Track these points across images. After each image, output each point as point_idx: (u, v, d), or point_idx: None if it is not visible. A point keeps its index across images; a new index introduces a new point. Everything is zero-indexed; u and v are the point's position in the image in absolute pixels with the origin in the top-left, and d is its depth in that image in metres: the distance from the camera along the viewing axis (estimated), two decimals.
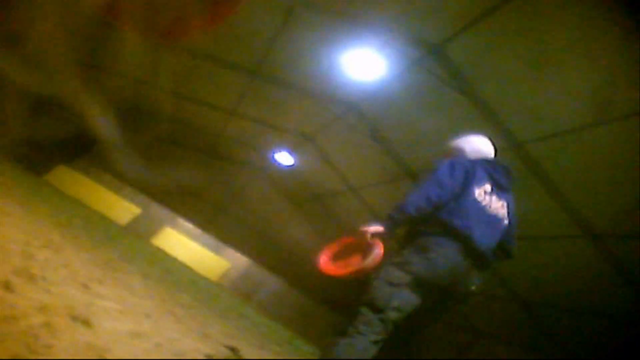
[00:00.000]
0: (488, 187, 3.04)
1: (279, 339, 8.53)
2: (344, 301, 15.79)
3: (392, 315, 2.65)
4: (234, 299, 11.95)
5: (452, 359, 12.01)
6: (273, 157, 14.48)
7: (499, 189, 3.11)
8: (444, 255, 2.73)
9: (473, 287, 2.93)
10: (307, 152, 13.00)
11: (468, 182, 2.95)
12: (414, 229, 2.93)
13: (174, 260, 12.04)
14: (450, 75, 7.27)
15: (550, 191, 7.09)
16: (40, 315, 2.16)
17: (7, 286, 2.28)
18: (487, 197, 3.00)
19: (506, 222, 3.08)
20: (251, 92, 10.85)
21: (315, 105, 10.42)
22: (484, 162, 3.21)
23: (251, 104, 11.48)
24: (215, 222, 16.15)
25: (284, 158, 14.13)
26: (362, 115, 9.72)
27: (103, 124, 14.60)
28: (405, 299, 2.70)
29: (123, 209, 14.62)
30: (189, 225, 15.37)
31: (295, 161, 14.07)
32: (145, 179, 15.59)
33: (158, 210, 15.09)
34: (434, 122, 8.38)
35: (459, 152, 3.39)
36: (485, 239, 2.85)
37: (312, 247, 16.90)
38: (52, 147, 13.94)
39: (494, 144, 3.47)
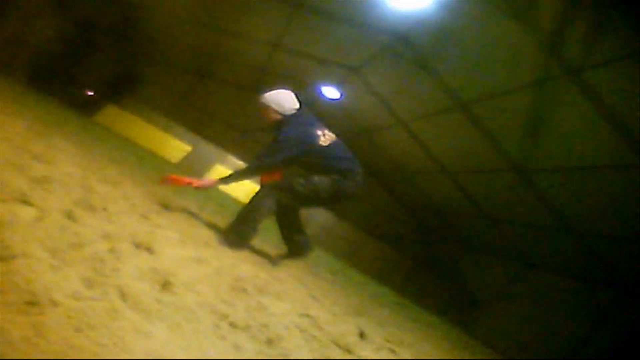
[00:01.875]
0: None
1: (331, 268, 8.68)
2: (390, 232, 16.02)
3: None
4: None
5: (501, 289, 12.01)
6: (319, 91, 14.29)
7: None
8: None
9: None
10: (354, 85, 12.75)
11: None
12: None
13: (226, 196, 12.26)
14: (506, 2, 6.90)
15: (607, 117, 6.74)
16: (104, 242, 2.21)
17: (70, 216, 2.33)
18: None
19: None
20: (295, 24, 10.60)
21: (361, 35, 10.11)
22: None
23: (295, 36, 11.24)
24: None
25: (329, 92, 13.92)
26: (410, 44, 9.37)
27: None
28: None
29: (174, 147, 14.88)
30: (239, 162, 15.56)
31: (341, 95, 13.86)
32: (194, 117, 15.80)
33: (208, 148, 15.30)
34: (487, 50, 8.02)
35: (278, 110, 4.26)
36: None
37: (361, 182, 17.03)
38: (100, 87, 14.16)
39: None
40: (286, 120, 4.20)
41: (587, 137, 7.35)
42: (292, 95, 4.36)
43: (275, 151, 3.97)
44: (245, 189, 15.11)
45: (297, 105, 4.35)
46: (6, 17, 10.15)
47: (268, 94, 4.29)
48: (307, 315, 3.03)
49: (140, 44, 14.02)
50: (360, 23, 9.53)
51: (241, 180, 4.10)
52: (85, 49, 12.89)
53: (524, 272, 11.63)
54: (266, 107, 4.25)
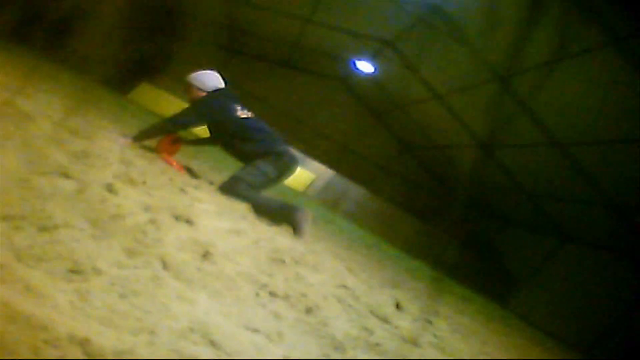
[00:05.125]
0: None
1: (366, 242, 8.67)
2: (425, 207, 15.89)
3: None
4: (321, 207, 12.20)
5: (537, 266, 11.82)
6: (353, 65, 14.16)
7: None
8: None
9: None
10: (388, 59, 12.58)
11: None
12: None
13: None
14: None
15: None
16: (145, 214, 2.23)
17: (110, 189, 2.36)
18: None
19: None
20: None
21: (395, 7, 9.94)
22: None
23: (328, 9, 11.11)
24: (297, 134, 16.13)
25: (363, 66, 13.78)
26: (446, 16, 9.16)
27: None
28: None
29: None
30: None
31: (375, 69, 13.70)
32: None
33: None
34: (524, 22, 7.76)
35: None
36: None
37: (394, 157, 16.86)
38: (134, 65, 14.26)
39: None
40: (207, 95, 4.45)
41: (628, 110, 7.10)
42: (217, 76, 4.63)
43: (188, 112, 4.32)
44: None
45: (221, 85, 4.59)
46: None
47: (193, 74, 4.57)
48: (344, 286, 3.03)
49: (173, 21, 14.07)
50: None
51: (152, 137, 4.34)
52: (120, 26, 12.99)
53: (561, 247, 11.41)
54: (190, 86, 4.52)
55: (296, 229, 3.96)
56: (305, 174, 14.92)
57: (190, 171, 4.60)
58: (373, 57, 13.10)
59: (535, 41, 7.76)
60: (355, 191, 15.42)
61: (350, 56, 13.70)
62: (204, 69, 4.66)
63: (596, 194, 9.05)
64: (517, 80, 8.78)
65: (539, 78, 8.25)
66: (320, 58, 14.85)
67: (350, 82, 16.42)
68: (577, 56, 7.15)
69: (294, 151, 4.52)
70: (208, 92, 4.47)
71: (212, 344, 1.37)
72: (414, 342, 2.55)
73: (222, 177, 4.72)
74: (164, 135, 4.41)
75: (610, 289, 9.38)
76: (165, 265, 1.75)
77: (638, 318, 8.64)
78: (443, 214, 16.18)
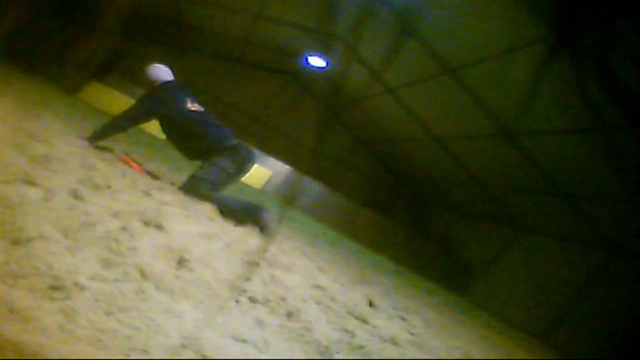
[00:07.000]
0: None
1: (328, 238, 8.69)
2: (383, 201, 16.04)
3: None
4: (280, 204, 12.14)
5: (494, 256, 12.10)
6: (305, 60, 14.13)
7: None
8: None
9: None
10: (340, 53, 12.59)
11: None
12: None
13: None
14: None
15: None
16: (115, 221, 2.15)
17: (77, 195, 2.27)
18: None
19: None
20: None
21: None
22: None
23: (277, 5, 11.05)
24: (252, 131, 15.98)
25: (315, 61, 13.76)
26: (393, 8, 9.19)
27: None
28: None
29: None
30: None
31: (327, 64, 13.69)
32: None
33: None
34: (473, 9, 7.86)
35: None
36: None
37: (351, 152, 16.91)
38: (83, 64, 13.85)
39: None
40: (159, 86, 4.47)
41: (575, 100, 7.29)
42: (168, 70, 4.67)
43: (138, 106, 4.28)
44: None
45: (171, 77, 4.64)
46: None
47: (146, 67, 4.63)
48: (318, 287, 3.01)
49: (120, 18, 13.71)
50: None
51: (107, 136, 4.23)
52: (66, 26, 12.61)
53: (516, 236, 11.71)
54: (145, 78, 4.58)
55: (263, 229, 3.90)
56: (262, 171, 14.80)
57: (150, 173, 4.47)
58: (325, 52, 13.05)
59: (481, 32, 7.87)
60: (313, 187, 15.41)
61: (303, 51, 13.64)
62: (155, 64, 4.67)
63: (548, 184, 9.31)
64: (466, 71, 8.89)
65: (487, 69, 8.38)
66: (272, 53, 14.75)
67: (303, 77, 16.35)
68: (525, 47, 7.30)
69: (249, 146, 4.44)
70: (160, 82, 4.49)
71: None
72: (394, 342, 2.55)
73: (182, 176, 4.63)
74: (118, 133, 4.27)
75: (563, 276, 9.69)
76: (144, 276, 1.69)
77: (589, 303, 8.96)
78: (400, 208, 16.39)
